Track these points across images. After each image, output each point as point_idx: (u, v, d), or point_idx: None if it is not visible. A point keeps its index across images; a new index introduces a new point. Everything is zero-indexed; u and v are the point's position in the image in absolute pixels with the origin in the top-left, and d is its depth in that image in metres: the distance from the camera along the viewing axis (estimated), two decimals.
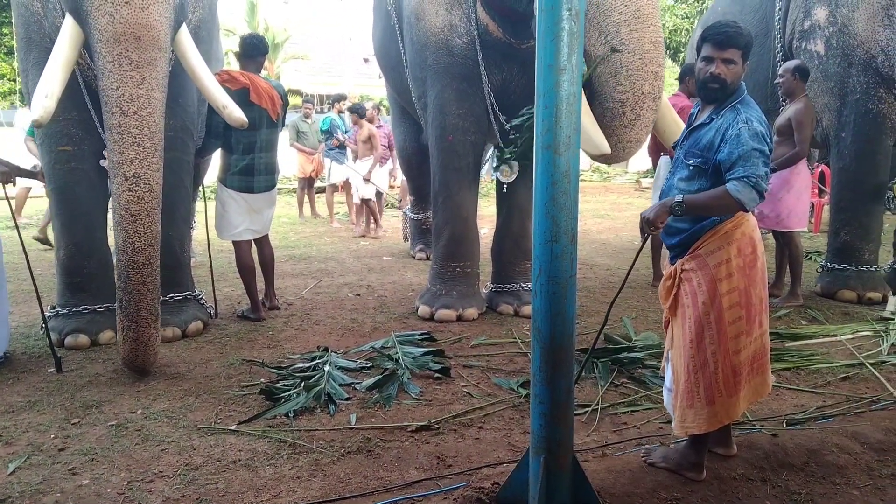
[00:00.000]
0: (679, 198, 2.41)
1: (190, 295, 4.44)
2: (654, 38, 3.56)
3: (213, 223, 4.74)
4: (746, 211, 2.40)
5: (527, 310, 4.69)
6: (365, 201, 8.43)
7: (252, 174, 4.56)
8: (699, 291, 2.43)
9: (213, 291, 4.81)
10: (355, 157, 8.61)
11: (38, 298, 3.90)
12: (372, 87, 24.21)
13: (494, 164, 4.73)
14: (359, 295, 5.43)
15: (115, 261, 3.46)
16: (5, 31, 18.36)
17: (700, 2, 16.23)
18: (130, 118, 3.31)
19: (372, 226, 8.61)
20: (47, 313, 4.22)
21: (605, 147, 3.57)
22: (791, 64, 4.89)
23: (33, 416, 3.07)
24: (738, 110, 2.41)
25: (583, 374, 3.52)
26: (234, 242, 4.70)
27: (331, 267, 6.49)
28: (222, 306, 4.93)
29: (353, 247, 7.68)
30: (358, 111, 8.41)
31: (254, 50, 4.58)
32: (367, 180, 8.34)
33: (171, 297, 4.31)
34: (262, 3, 21.40)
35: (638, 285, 5.66)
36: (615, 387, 3.47)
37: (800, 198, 4.99)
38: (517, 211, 4.83)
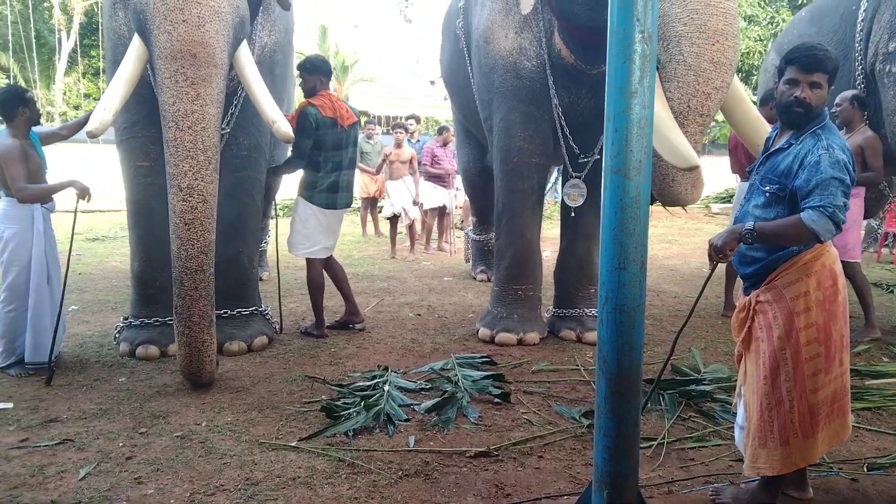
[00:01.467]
0: (750, 225, 2.31)
1: (256, 310, 4.53)
2: (717, 57, 3.34)
3: (286, 239, 4.81)
4: (821, 242, 2.28)
5: (590, 336, 4.59)
6: (410, 223, 8.45)
7: (336, 191, 4.67)
8: (775, 325, 2.32)
9: (280, 307, 4.89)
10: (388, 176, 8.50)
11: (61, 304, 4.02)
12: (438, 108, 24.47)
13: (563, 188, 4.67)
14: (419, 315, 5.43)
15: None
16: (93, 53, 19.41)
17: (773, 24, 15.82)
18: (185, 132, 3.43)
19: (431, 243, 8.68)
20: (120, 324, 4.39)
21: (694, 158, 3.33)
22: (849, 93, 4.71)
23: (104, 424, 3.17)
24: (819, 136, 2.30)
25: (649, 405, 3.41)
26: (308, 260, 4.74)
27: (392, 286, 6.53)
28: (287, 322, 5.00)
29: (415, 266, 7.71)
30: (405, 128, 8.44)
31: (328, 68, 4.71)
32: (416, 203, 8.37)
33: (239, 312, 4.41)
34: (333, 27, 21.98)
35: (707, 314, 5.48)
36: (682, 420, 3.34)
37: (855, 227, 4.84)
38: (582, 234, 4.75)
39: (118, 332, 4.36)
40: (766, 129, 3.52)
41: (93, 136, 3.68)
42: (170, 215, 3.50)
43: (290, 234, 4.74)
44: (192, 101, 3.42)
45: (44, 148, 4.08)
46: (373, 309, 5.56)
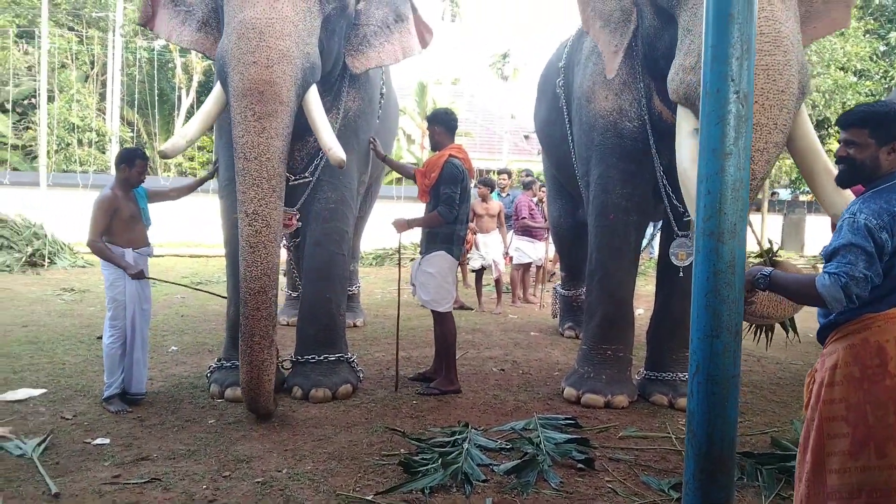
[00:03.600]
0: (767, 270, 2.19)
1: (343, 357, 4.60)
2: (774, 101, 3.26)
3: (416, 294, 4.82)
4: (830, 310, 2.11)
5: (683, 402, 4.35)
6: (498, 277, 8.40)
7: (461, 244, 4.75)
8: (814, 392, 2.20)
9: (397, 361, 4.85)
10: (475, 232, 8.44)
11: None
12: (531, 162, 24.58)
13: (668, 247, 4.52)
14: (503, 370, 5.35)
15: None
16: None
17: (887, 78, 15.07)
18: (252, 163, 3.70)
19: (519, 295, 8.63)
20: (213, 365, 4.56)
21: None
22: None
23: (190, 465, 3.26)
24: (862, 199, 2.15)
25: (745, 480, 3.18)
26: (442, 314, 4.68)
27: (477, 339, 6.48)
28: (371, 371, 5.05)
29: (501, 320, 7.64)
30: (490, 184, 8.43)
31: (455, 123, 4.83)
32: (506, 256, 8.33)
33: (325, 358, 4.49)
34: (431, 84, 22.68)
35: None
36: (781, 499, 3.09)
37: None
38: (679, 294, 4.56)
39: (210, 373, 4.53)
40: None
41: (164, 156, 4.16)
42: (239, 240, 3.72)
43: (428, 290, 4.63)
44: (258, 133, 3.70)
45: (155, 204, 4.41)
46: (457, 362, 5.52)
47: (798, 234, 17.31)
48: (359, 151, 4.82)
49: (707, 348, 1.98)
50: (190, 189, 4.74)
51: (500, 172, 10.12)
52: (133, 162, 4.14)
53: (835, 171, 3.56)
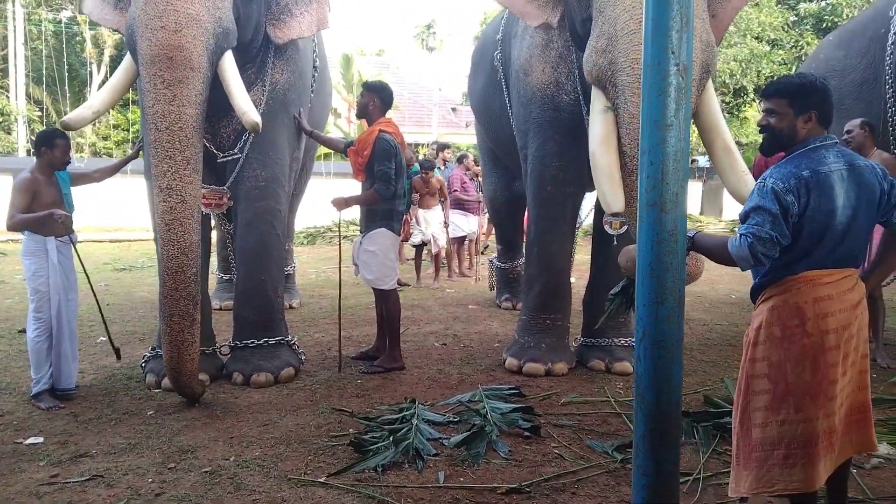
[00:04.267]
0: (691, 232, 2.29)
1: (283, 340, 4.52)
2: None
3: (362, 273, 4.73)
4: (742, 269, 2.25)
5: (619, 367, 4.52)
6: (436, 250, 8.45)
7: (400, 219, 4.72)
8: (744, 351, 2.35)
9: (339, 341, 4.80)
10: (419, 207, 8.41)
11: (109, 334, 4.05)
12: (459, 135, 24.60)
13: (603, 218, 4.63)
14: (445, 345, 5.39)
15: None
16: None
17: (798, 48, 15.73)
18: (163, 133, 3.57)
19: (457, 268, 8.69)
20: (147, 354, 4.41)
21: (616, 205, 3.61)
22: (857, 120, 4.63)
23: (133, 459, 3.16)
24: (774, 166, 2.28)
25: (682, 438, 3.32)
26: (385, 291, 4.64)
27: (417, 315, 6.49)
28: (312, 353, 4.99)
29: (439, 294, 7.68)
30: (430, 167, 8.39)
31: (391, 99, 4.73)
32: (446, 227, 8.37)
33: (265, 342, 4.41)
34: (357, 57, 22.31)
35: (739, 343, 5.35)
36: (717, 454, 3.25)
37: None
38: (613, 263, 4.67)
39: (145, 362, 4.38)
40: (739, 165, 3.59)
41: (67, 127, 4.00)
42: (152, 217, 3.62)
43: (371, 268, 4.58)
44: (168, 102, 3.57)
45: (78, 187, 4.20)
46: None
47: (717, 201, 18.00)
48: (289, 126, 4.68)
49: (653, 315, 2.05)
50: (114, 170, 4.52)
51: (443, 147, 10.03)
52: (53, 143, 3.92)
53: (733, 147, 3.79)
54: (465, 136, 23.58)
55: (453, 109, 29.82)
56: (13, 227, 3.89)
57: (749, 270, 2.34)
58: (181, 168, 3.57)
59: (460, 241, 8.79)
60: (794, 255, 2.21)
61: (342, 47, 22.15)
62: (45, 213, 3.84)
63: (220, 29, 3.77)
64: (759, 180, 2.24)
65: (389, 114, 4.75)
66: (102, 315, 4.28)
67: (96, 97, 3.95)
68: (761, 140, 2.41)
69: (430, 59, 31.41)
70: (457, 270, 8.89)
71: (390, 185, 4.46)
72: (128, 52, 3.88)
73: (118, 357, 4.17)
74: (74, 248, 4.04)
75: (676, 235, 2.02)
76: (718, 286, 8.17)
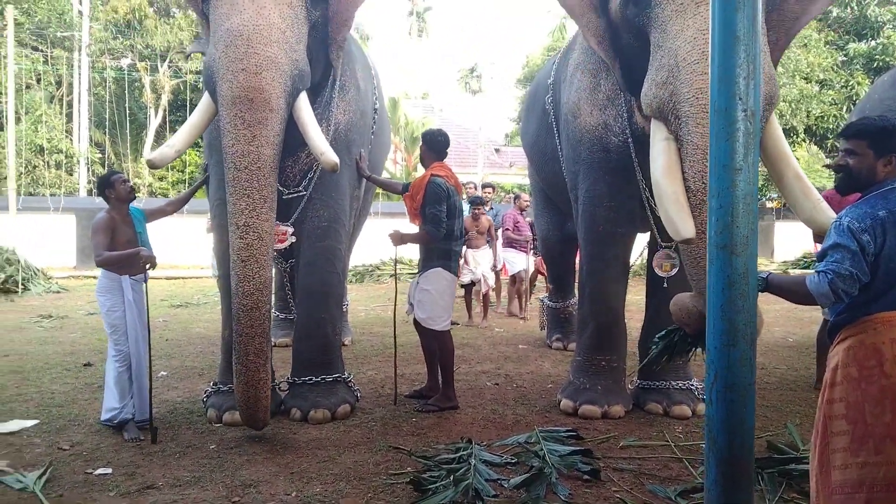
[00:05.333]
0: (764, 273, 2.29)
1: (339, 377, 4.58)
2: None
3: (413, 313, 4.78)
4: (822, 306, 2.25)
5: (678, 410, 4.46)
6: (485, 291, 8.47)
7: (458, 259, 4.81)
8: (821, 393, 2.32)
9: (395, 378, 4.88)
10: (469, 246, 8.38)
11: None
12: (504, 175, 24.81)
13: (652, 258, 4.61)
14: (497, 384, 5.38)
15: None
16: (177, 127, 20.57)
17: (848, 88, 15.54)
18: (242, 172, 3.64)
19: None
20: (209, 389, 4.51)
21: (687, 232, 3.41)
22: None
23: (198, 492, 3.23)
24: (850, 205, 2.29)
25: None
26: (439, 332, 4.69)
27: (467, 354, 6.50)
28: (366, 390, 5.04)
29: (489, 334, 7.68)
30: (480, 202, 8.48)
31: (446, 146, 4.86)
32: (494, 269, 8.41)
33: (322, 379, 4.48)
34: (403, 100, 22.82)
35: (799, 387, 5.24)
36: (784, 502, 3.16)
37: None
38: (668, 304, 4.65)
39: (207, 397, 4.48)
40: (811, 191, 3.49)
41: (152, 166, 4.06)
42: (230, 253, 3.67)
43: (425, 307, 4.65)
44: (248, 142, 3.65)
45: (155, 222, 4.42)
46: None
47: (767, 241, 17.67)
48: (350, 167, 4.81)
49: (724, 357, 2.05)
50: (185, 200, 4.75)
51: (484, 186, 10.17)
52: (111, 182, 4.14)
53: (804, 175, 3.72)
54: (509, 176, 23.78)
55: (497, 150, 30.12)
56: (101, 263, 4.07)
57: (812, 312, 2.33)
58: (259, 206, 3.66)
59: (517, 279, 8.80)
60: (869, 295, 2.20)
61: (389, 91, 22.70)
62: (132, 252, 4.03)
63: (297, 71, 3.90)
64: (835, 220, 2.26)
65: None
66: (151, 386, 4.20)
67: (177, 137, 4.06)
68: (836, 179, 2.43)
69: (473, 101, 31.87)
70: (511, 310, 8.90)
71: (440, 227, 4.54)
72: (205, 93, 4.02)
73: (154, 440, 3.92)
74: (146, 285, 4.19)
75: (748, 277, 2.03)
76: (774, 329, 7.99)
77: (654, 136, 3.71)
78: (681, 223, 3.40)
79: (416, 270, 4.86)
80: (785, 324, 8.14)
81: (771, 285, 2.31)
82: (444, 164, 4.81)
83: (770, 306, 9.96)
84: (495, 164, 27.92)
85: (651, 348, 3.41)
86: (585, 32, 4.38)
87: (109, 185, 4.15)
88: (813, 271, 2.21)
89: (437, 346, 4.74)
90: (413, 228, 4.84)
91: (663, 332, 3.43)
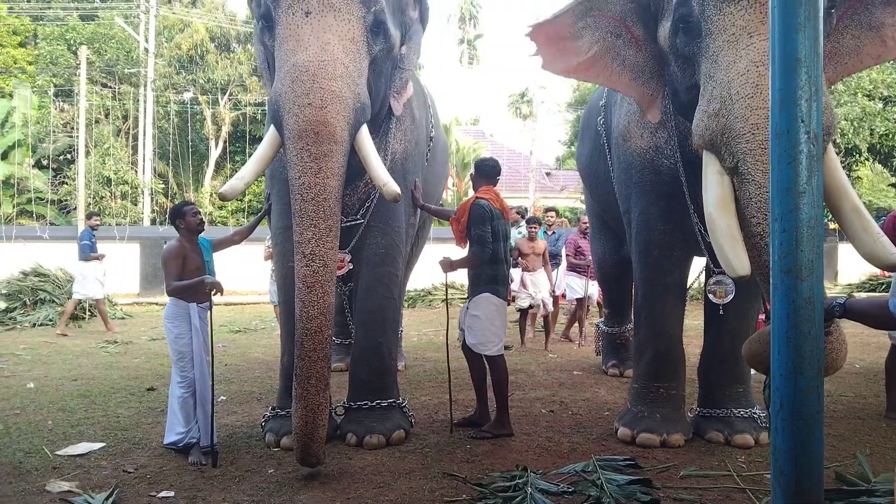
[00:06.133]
0: (841, 299, 2.20)
1: (395, 402, 4.61)
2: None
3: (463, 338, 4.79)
4: None
5: (740, 439, 4.32)
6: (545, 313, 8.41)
7: (506, 283, 4.81)
8: None
9: (451, 404, 4.87)
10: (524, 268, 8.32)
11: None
12: (555, 199, 24.69)
13: (707, 284, 4.52)
14: (552, 412, 5.32)
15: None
16: (237, 158, 21.21)
17: None
18: (309, 203, 3.70)
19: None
20: (268, 414, 4.59)
21: (742, 269, 3.29)
22: None
23: None
24: None
25: None
26: (492, 357, 4.69)
27: (521, 380, 6.45)
28: (420, 415, 5.04)
29: (542, 359, 7.61)
30: (536, 221, 8.48)
31: (496, 173, 4.94)
32: (553, 294, 8.35)
33: (378, 404, 4.51)
34: (454, 126, 23.06)
35: (868, 416, 5.02)
36: None
37: None
38: (727, 331, 4.54)
39: (265, 421, 4.56)
40: (872, 226, 3.33)
41: (223, 198, 4.14)
42: (295, 280, 3.73)
43: (475, 333, 4.66)
44: (314, 174, 3.72)
45: (224, 251, 4.62)
46: None
47: (831, 263, 17.08)
48: (406, 195, 4.90)
49: (791, 385, 1.99)
50: (251, 230, 4.91)
51: (547, 210, 10.13)
52: (182, 212, 4.33)
53: (863, 208, 3.56)
54: (561, 200, 23.67)
55: (548, 174, 30.07)
56: (172, 293, 4.24)
57: (880, 337, 2.25)
58: (324, 235, 3.73)
59: (579, 302, 8.72)
60: None
61: (441, 117, 23.02)
62: (197, 280, 4.18)
63: (359, 104, 3.99)
64: None
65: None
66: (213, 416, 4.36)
67: (245, 170, 4.18)
68: None
69: (524, 125, 31.98)
70: (569, 336, 8.85)
71: (486, 247, 4.56)
72: (271, 126, 4.13)
73: (215, 464, 4.03)
74: (210, 313, 4.32)
75: (814, 303, 1.97)
76: None
77: (707, 167, 3.62)
78: (735, 259, 3.31)
79: (467, 295, 4.87)
80: (851, 349, 7.72)
81: (849, 311, 2.22)
82: (492, 188, 4.85)
83: None
84: (547, 188, 27.85)
85: (764, 394, 3.31)
86: (611, 76, 4.32)
87: (181, 216, 4.33)
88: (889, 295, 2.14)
89: (490, 371, 4.73)
90: (462, 253, 4.87)
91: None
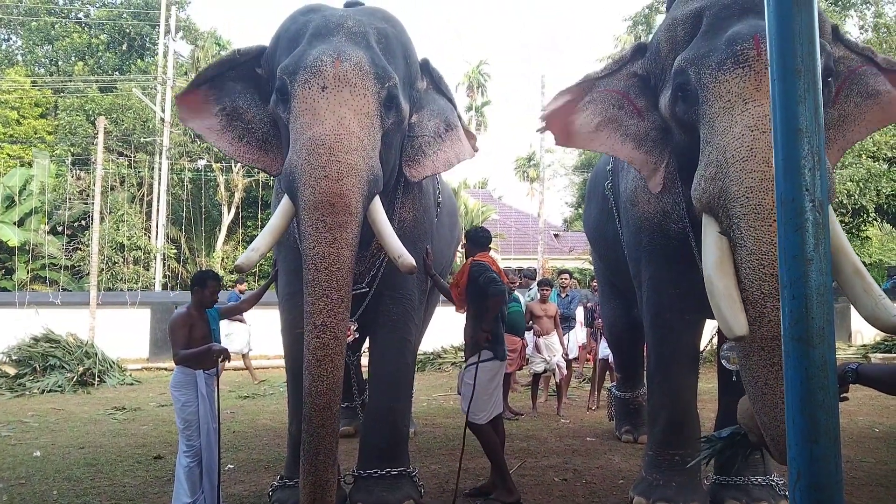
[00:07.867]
0: (854, 365, 2.18)
1: (405, 471, 4.54)
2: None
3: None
4: None
5: None
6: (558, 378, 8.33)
7: (503, 342, 4.83)
8: None
9: (458, 474, 4.75)
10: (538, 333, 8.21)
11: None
12: (562, 260, 24.73)
13: (720, 351, 4.49)
14: (566, 480, 5.21)
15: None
16: (249, 223, 21.47)
17: None
18: (321, 273, 3.71)
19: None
20: (275, 483, 4.52)
21: (739, 330, 3.25)
22: None
23: None
24: None
25: None
26: (477, 426, 4.66)
27: (533, 447, 6.34)
28: (430, 484, 4.95)
29: (554, 425, 7.49)
30: (549, 284, 8.47)
31: (487, 241, 5.06)
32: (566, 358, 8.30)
33: (388, 472, 4.44)
34: (462, 189, 23.36)
35: (890, 483, 4.89)
36: None
37: None
38: (741, 395, 4.47)
39: (272, 491, 4.49)
40: (867, 281, 3.31)
41: (240, 270, 4.10)
42: (304, 352, 3.71)
43: (466, 400, 4.65)
44: (329, 244, 3.74)
45: (232, 319, 4.58)
46: (516, 472, 5.40)
47: (844, 324, 16.87)
48: (419, 264, 4.93)
49: (806, 454, 1.95)
50: (257, 298, 4.97)
51: (561, 273, 10.15)
52: (205, 284, 4.36)
53: (864, 270, 3.56)
54: (569, 261, 23.69)
55: (556, 235, 30.22)
56: (179, 361, 4.25)
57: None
58: (336, 306, 3.73)
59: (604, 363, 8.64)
60: None
61: (449, 180, 23.35)
62: (205, 348, 4.20)
63: (373, 176, 4.04)
64: None
65: (495, 242, 4.99)
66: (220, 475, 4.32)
67: (259, 240, 4.18)
68: None
69: (531, 188, 32.38)
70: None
71: (499, 284, 4.59)
72: (284, 196, 4.16)
73: None
74: (217, 380, 4.32)
75: (826, 370, 1.96)
76: (858, 418, 7.53)
77: (706, 230, 3.64)
78: (733, 320, 3.28)
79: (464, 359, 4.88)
80: (869, 412, 7.66)
81: (862, 376, 2.21)
82: (486, 254, 4.93)
83: (852, 394, 9.42)
84: (555, 250, 27.93)
85: (705, 445, 3.24)
86: (615, 145, 4.42)
87: (202, 285, 4.39)
88: None
89: (478, 438, 4.70)
90: (463, 317, 4.91)
91: (726, 433, 3.31)
